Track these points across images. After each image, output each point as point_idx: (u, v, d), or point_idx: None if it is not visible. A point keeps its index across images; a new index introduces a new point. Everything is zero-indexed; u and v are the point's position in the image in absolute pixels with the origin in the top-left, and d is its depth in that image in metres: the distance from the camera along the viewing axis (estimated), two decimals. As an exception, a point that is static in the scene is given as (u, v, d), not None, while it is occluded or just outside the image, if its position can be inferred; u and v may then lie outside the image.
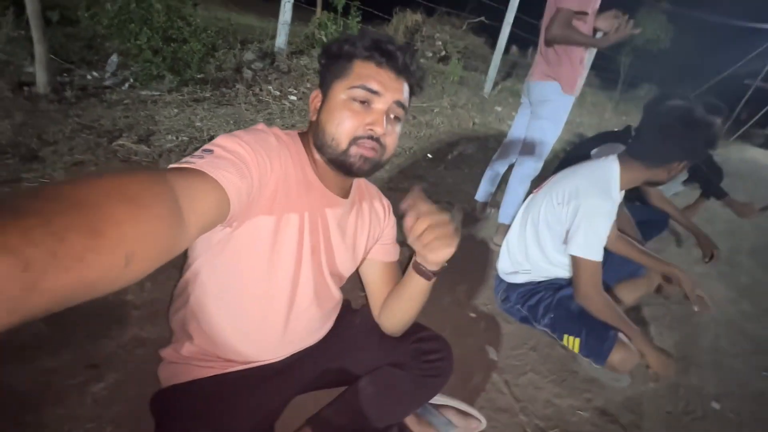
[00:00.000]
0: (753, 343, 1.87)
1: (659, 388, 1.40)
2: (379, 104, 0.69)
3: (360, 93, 0.68)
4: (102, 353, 0.97)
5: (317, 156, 0.74)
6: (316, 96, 0.75)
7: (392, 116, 0.71)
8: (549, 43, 1.79)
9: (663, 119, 1.21)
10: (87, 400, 0.87)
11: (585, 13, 1.70)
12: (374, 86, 0.68)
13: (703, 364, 1.62)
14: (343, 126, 0.68)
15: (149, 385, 0.91)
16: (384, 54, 0.69)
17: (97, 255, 0.31)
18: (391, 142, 0.72)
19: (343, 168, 0.71)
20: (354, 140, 0.69)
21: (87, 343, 0.98)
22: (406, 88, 0.72)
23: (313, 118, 0.74)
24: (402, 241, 0.96)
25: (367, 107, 0.69)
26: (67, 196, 0.31)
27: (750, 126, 8.39)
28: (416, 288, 0.81)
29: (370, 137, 0.69)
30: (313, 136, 0.74)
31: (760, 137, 8.77)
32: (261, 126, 0.71)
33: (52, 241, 0.28)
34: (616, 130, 2.02)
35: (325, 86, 0.73)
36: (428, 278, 0.78)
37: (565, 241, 1.33)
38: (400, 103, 0.71)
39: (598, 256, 1.25)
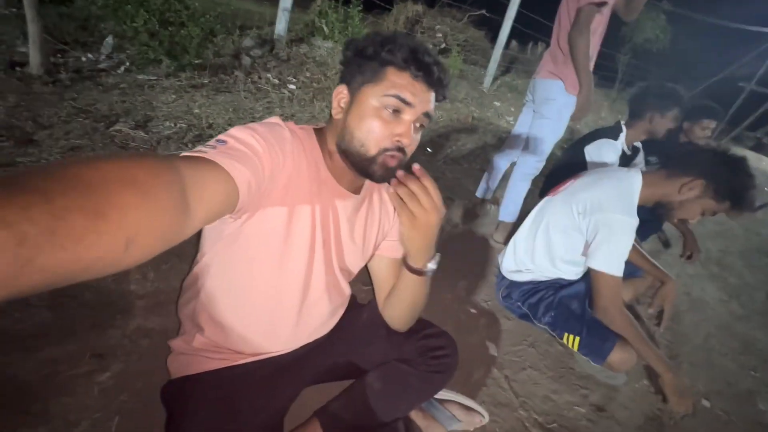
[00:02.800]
0: (742, 343, 1.93)
1: (651, 385, 1.44)
2: (409, 115, 0.69)
3: (393, 102, 0.68)
4: (107, 343, 0.97)
5: (333, 152, 0.74)
6: (340, 92, 0.73)
7: (417, 125, 0.72)
8: (569, 43, 1.73)
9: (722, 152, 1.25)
10: (93, 390, 0.86)
11: (605, 3, 1.64)
12: (408, 98, 0.68)
13: (694, 363, 1.67)
14: (374, 135, 0.68)
15: (156, 376, 0.92)
16: (421, 68, 0.69)
17: (97, 237, 0.31)
18: (412, 149, 0.73)
19: (364, 173, 0.72)
20: (383, 150, 0.69)
21: (92, 333, 0.97)
22: (433, 97, 0.73)
23: (337, 117, 0.73)
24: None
25: (396, 116, 0.69)
26: (72, 176, 0.31)
27: (742, 129, 8.51)
28: (408, 283, 0.84)
29: (398, 148, 0.69)
30: (336, 134, 0.73)
31: (751, 140, 8.91)
32: (276, 119, 0.70)
33: (51, 219, 0.28)
34: (605, 127, 2.04)
35: (353, 86, 0.71)
36: (419, 273, 0.81)
37: (584, 254, 1.33)
38: (427, 114, 0.72)
39: (619, 271, 1.23)
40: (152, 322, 1.06)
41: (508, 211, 2.10)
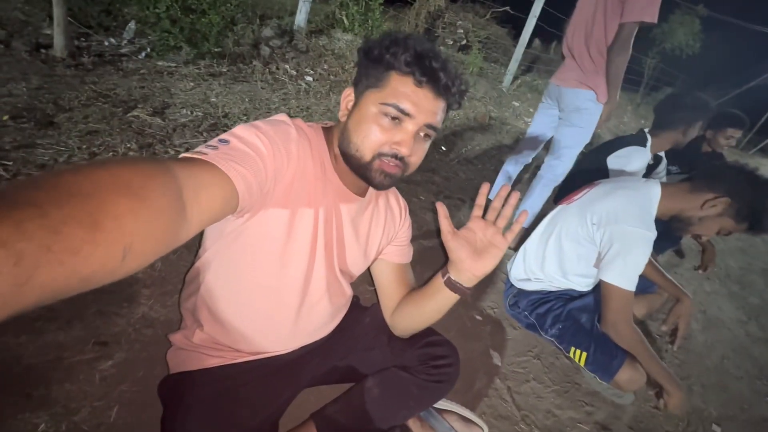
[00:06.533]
0: (759, 368, 1.86)
1: (659, 407, 1.39)
2: (410, 125, 0.66)
3: (392, 111, 0.65)
4: (111, 331, 0.98)
5: (339, 154, 0.73)
6: (348, 95, 0.72)
7: (422, 134, 0.69)
8: (610, 61, 1.68)
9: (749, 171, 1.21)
10: (95, 378, 0.87)
11: (654, 24, 1.59)
12: (408, 108, 0.65)
13: (706, 386, 1.61)
14: (369, 140, 0.66)
15: (157, 367, 0.92)
16: (426, 73, 0.64)
17: (94, 248, 0.30)
18: (415, 160, 0.70)
19: (363, 178, 0.70)
20: (378, 155, 0.67)
21: (97, 319, 0.98)
22: (442, 107, 0.69)
23: (343, 119, 0.72)
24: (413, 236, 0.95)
25: (397, 124, 0.66)
26: (65, 187, 0.30)
27: (771, 140, 8.17)
28: (446, 303, 0.80)
29: (395, 156, 0.67)
30: (339, 136, 0.72)
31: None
32: (282, 117, 0.69)
33: (46, 233, 0.27)
34: (630, 134, 1.98)
35: (358, 89, 0.70)
36: (464, 294, 0.77)
37: (596, 265, 1.29)
38: (431, 126, 0.68)
39: (632, 285, 1.19)
40: (157, 312, 1.06)
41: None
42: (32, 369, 0.84)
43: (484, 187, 0.71)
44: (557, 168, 1.96)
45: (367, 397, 0.88)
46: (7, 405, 0.77)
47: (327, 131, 0.76)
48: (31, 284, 0.26)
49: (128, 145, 1.69)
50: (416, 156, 0.70)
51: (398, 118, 0.65)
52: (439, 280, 0.78)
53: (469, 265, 0.72)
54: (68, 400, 0.81)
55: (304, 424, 0.88)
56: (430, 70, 0.64)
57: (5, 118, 1.60)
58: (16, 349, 0.86)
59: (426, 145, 0.71)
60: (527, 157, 2.18)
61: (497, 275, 1.82)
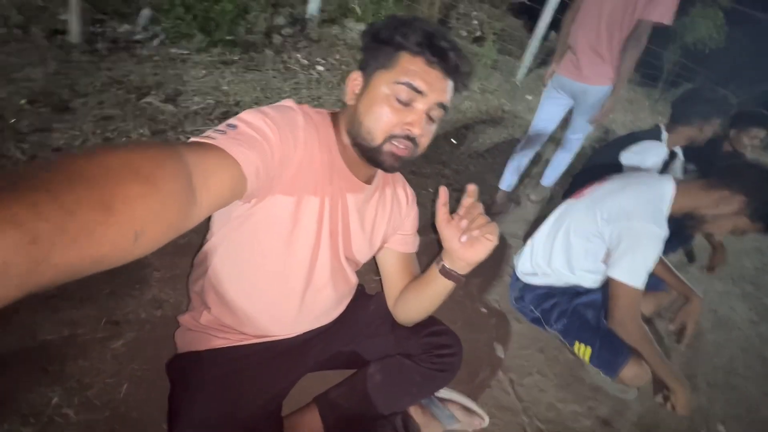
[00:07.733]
0: (768, 369, 1.83)
1: (664, 404, 1.38)
2: (421, 104, 0.66)
3: (404, 90, 0.65)
4: (122, 311, 1.00)
5: (346, 140, 0.73)
6: (355, 78, 0.71)
7: (431, 115, 0.69)
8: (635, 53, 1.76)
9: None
10: (107, 356, 0.90)
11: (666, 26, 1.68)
12: (420, 86, 0.65)
13: (713, 384, 1.59)
14: (382, 122, 0.66)
15: (166, 347, 0.95)
16: (436, 53, 0.65)
17: (107, 230, 0.31)
18: (425, 141, 0.71)
19: (372, 162, 0.70)
20: (390, 138, 0.67)
21: (110, 300, 1.01)
22: (450, 87, 0.69)
23: (350, 103, 0.72)
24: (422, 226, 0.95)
25: (408, 105, 0.66)
26: (78, 171, 0.31)
27: (795, 139, 7.91)
28: (442, 290, 0.81)
29: (407, 137, 0.67)
30: (347, 121, 0.72)
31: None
32: (290, 102, 0.69)
33: (61, 215, 0.28)
34: (644, 130, 1.95)
35: (366, 72, 0.69)
36: (458, 281, 0.77)
37: (605, 261, 1.28)
38: (442, 105, 0.68)
39: (641, 283, 1.17)
40: (167, 294, 1.09)
41: (550, 178, 2.38)
42: (48, 345, 0.87)
43: (471, 186, 0.71)
44: (578, 142, 2.21)
45: (370, 382, 0.90)
46: (24, 378, 0.80)
47: (334, 117, 0.76)
48: (47, 263, 0.27)
49: (141, 131, 1.71)
50: (426, 137, 0.70)
51: (410, 99, 0.66)
52: (434, 269, 0.79)
53: (461, 253, 0.73)
54: (82, 376, 0.84)
55: (306, 407, 0.90)
56: (440, 50, 0.65)
57: (23, 102, 1.63)
58: (33, 326, 0.90)
59: (434, 128, 0.71)
60: (535, 149, 2.22)
61: (503, 269, 1.81)
